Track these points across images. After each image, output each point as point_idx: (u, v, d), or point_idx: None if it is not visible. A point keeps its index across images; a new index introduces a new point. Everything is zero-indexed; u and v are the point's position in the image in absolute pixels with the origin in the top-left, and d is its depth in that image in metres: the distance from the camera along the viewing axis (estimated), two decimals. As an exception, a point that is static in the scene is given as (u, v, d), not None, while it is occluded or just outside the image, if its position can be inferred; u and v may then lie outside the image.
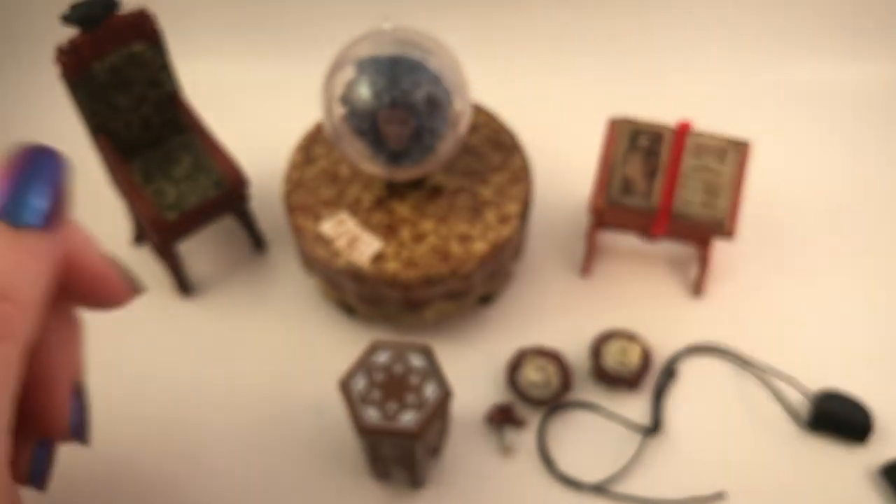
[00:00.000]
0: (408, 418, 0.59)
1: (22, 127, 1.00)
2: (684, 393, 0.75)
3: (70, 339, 0.24)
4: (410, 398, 0.60)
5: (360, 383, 0.61)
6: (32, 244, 0.19)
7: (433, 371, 0.61)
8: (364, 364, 0.62)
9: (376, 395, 0.60)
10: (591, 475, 0.70)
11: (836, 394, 0.73)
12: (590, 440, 0.72)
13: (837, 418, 0.71)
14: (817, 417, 0.71)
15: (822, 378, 0.75)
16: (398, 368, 0.62)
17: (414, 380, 0.61)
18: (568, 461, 0.71)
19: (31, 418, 0.22)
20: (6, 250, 0.19)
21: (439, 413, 0.61)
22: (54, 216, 0.20)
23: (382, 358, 0.62)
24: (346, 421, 0.70)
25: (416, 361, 0.62)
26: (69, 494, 0.70)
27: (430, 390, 0.61)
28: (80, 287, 0.23)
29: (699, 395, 0.75)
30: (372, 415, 0.59)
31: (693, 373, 0.76)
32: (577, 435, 0.72)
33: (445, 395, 0.61)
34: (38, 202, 0.19)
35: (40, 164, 0.20)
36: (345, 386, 0.61)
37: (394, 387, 0.61)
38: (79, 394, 0.24)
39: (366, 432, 0.60)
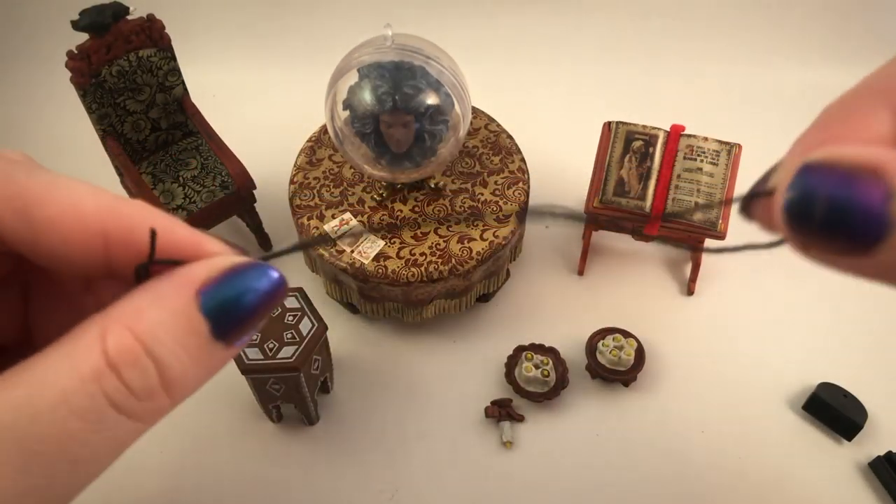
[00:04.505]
0: (287, 352, 0.63)
1: (34, 131, 1.01)
2: (681, 387, 0.77)
3: None
4: (288, 335, 0.63)
5: None
6: (217, 357, 0.20)
7: (307, 309, 0.66)
8: None
9: (255, 337, 0.64)
10: (591, 466, 0.71)
11: (834, 386, 0.74)
12: (589, 432, 0.74)
13: (832, 410, 0.72)
14: (813, 403, 0.73)
15: (813, 374, 0.77)
16: (274, 311, 0.64)
17: (290, 319, 0.64)
18: (571, 454, 0.73)
19: None
20: (199, 356, 0.19)
21: (317, 345, 0.65)
22: (245, 336, 0.20)
23: None
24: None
25: (290, 303, 0.65)
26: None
27: (305, 326, 0.64)
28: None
29: (696, 388, 0.77)
30: (253, 354, 0.63)
31: (688, 367, 0.78)
32: (575, 427, 0.74)
33: (320, 328, 0.64)
34: (242, 319, 0.19)
35: (256, 280, 0.19)
36: None
37: (271, 327, 0.65)
38: None
39: (249, 372, 0.63)
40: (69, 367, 0.18)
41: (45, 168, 0.21)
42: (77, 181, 0.21)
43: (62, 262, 0.20)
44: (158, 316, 0.18)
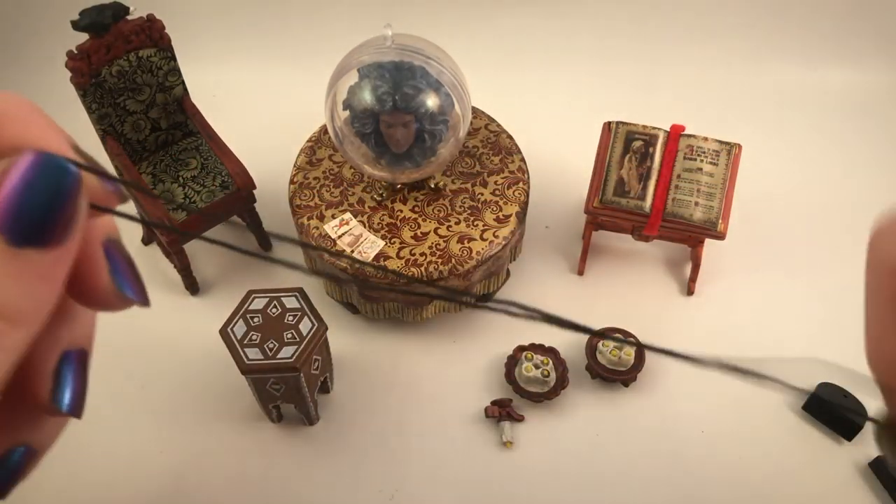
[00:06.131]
0: (287, 352, 0.63)
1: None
2: (681, 387, 0.77)
3: (68, 310, 0.21)
4: (288, 335, 0.64)
5: (239, 329, 0.65)
6: (34, 262, 0.18)
7: (307, 309, 0.66)
8: (242, 311, 0.66)
9: (255, 337, 0.64)
10: (594, 467, 0.71)
11: (834, 386, 0.74)
12: (590, 431, 0.74)
13: (832, 410, 0.72)
14: (813, 403, 0.73)
15: (813, 374, 0.77)
16: (274, 311, 0.65)
17: (290, 319, 0.65)
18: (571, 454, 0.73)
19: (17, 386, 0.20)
20: (5, 268, 0.17)
21: (317, 345, 0.65)
22: (59, 233, 0.18)
23: (258, 304, 0.66)
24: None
25: (291, 303, 0.65)
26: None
27: (305, 326, 0.65)
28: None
29: (696, 388, 0.77)
30: (253, 354, 0.63)
31: (688, 367, 0.78)
32: (574, 426, 0.74)
33: (320, 328, 0.64)
34: (40, 219, 0.17)
35: (42, 176, 0.17)
36: (225, 333, 0.64)
37: (272, 327, 0.65)
38: (83, 363, 0.22)
39: (249, 371, 0.63)
40: None
41: None
42: None
43: None
44: None
